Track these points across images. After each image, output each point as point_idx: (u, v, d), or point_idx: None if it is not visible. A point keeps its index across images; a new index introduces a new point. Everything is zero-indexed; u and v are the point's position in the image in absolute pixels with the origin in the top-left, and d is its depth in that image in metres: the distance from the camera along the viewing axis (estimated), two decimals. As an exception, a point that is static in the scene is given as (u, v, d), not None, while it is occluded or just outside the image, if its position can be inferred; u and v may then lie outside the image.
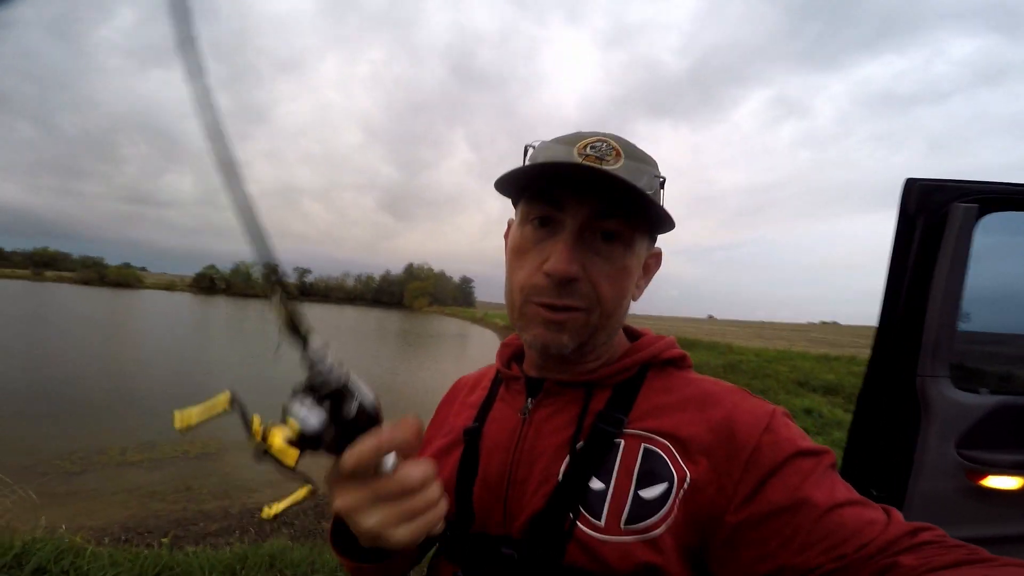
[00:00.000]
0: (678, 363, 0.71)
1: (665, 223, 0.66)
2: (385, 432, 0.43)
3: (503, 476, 0.66)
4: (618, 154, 0.62)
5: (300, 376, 0.43)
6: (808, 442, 0.58)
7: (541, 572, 0.59)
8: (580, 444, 0.63)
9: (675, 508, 0.56)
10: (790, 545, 0.51)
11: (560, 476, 0.62)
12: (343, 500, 0.44)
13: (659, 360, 0.70)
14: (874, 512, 0.52)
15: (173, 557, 2.95)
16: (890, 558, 0.47)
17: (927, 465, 1.43)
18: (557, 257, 0.60)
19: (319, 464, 0.45)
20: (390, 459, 0.45)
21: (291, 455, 0.41)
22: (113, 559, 2.76)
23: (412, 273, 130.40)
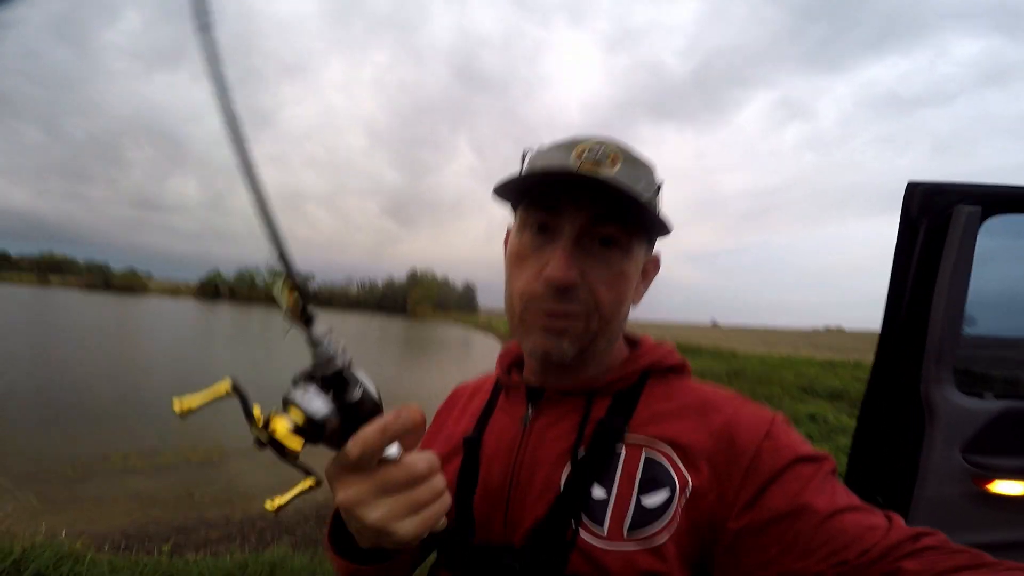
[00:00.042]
0: (678, 370, 0.71)
1: (662, 228, 0.66)
2: (389, 417, 0.42)
3: (504, 485, 0.66)
4: (615, 159, 0.62)
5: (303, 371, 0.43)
6: (808, 448, 0.58)
7: None
8: (581, 452, 0.63)
9: (677, 515, 0.56)
10: (791, 551, 0.50)
11: (562, 484, 0.62)
12: (346, 492, 0.43)
13: (659, 367, 0.70)
14: (875, 518, 0.51)
15: (173, 564, 2.95)
16: (892, 563, 0.46)
17: (932, 471, 1.42)
18: (556, 264, 0.60)
19: (318, 458, 0.44)
20: (394, 448, 0.44)
21: (296, 441, 0.41)
22: (113, 566, 2.76)
23: (415, 279, 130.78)
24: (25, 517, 3.78)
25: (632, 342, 0.75)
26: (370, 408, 0.43)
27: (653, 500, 0.57)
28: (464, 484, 0.69)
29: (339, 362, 0.42)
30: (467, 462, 0.71)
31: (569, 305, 0.62)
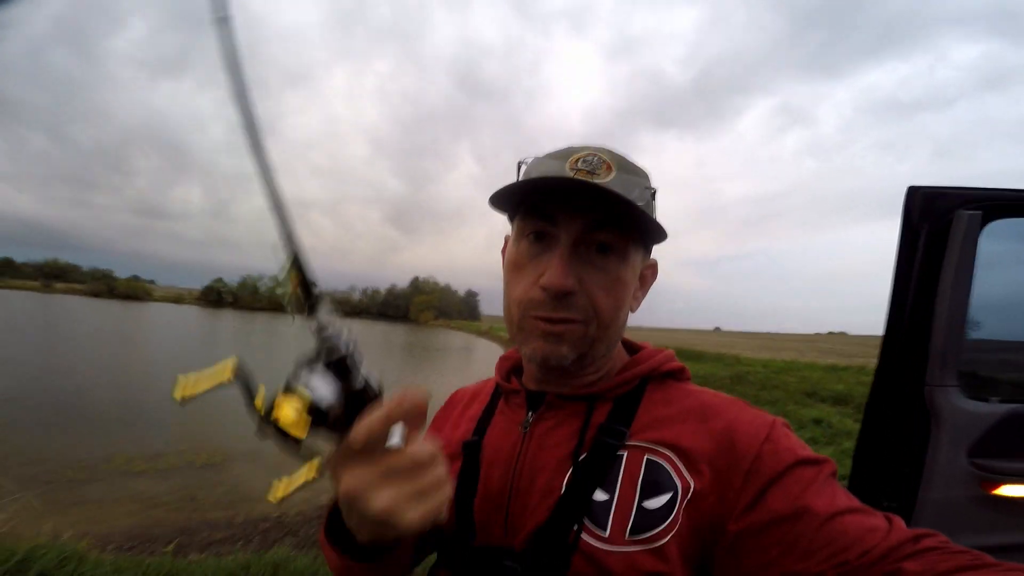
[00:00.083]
0: (677, 375, 0.72)
1: (658, 234, 0.67)
2: (394, 400, 0.42)
3: (504, 489, 0.66)
4: (609, 167, 0.63)
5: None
6: (808, 451, 0.58)
7: None
8: (583, 457, 0.63)
9: (680, 518, 0.56)
10: (792, 553, 0.51)
11: (563, 488, 0.62)
12: (350, 480, 0.42)
13: (659, 372, 0.70)
14: (876, 519, 0.52)
15: (176, 565, 2.96)
16: (893, 564, 0.47)
17: (938, 475, 1.41)
18: (553, 271, 0.61)
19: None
20: (397, 433, 0.43)
21: (301, 427, 0.39)
22: (116, 566, 2.77)
23: (418, 287, 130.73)
24: (30, 518, 3.80)
25: (632, 348, 0.76)
26: (373, 396, 0.43)
27: (655, 503, 0.57)
28: (464, 488, 0.69)
29: (343, 348, 0.41)
30: (467, 466, 0.71)
31: (567, 311, 0.62)
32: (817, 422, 8.03)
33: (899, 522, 0.52)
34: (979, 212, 1.38)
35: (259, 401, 0.41)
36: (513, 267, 0.68)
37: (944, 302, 1.39)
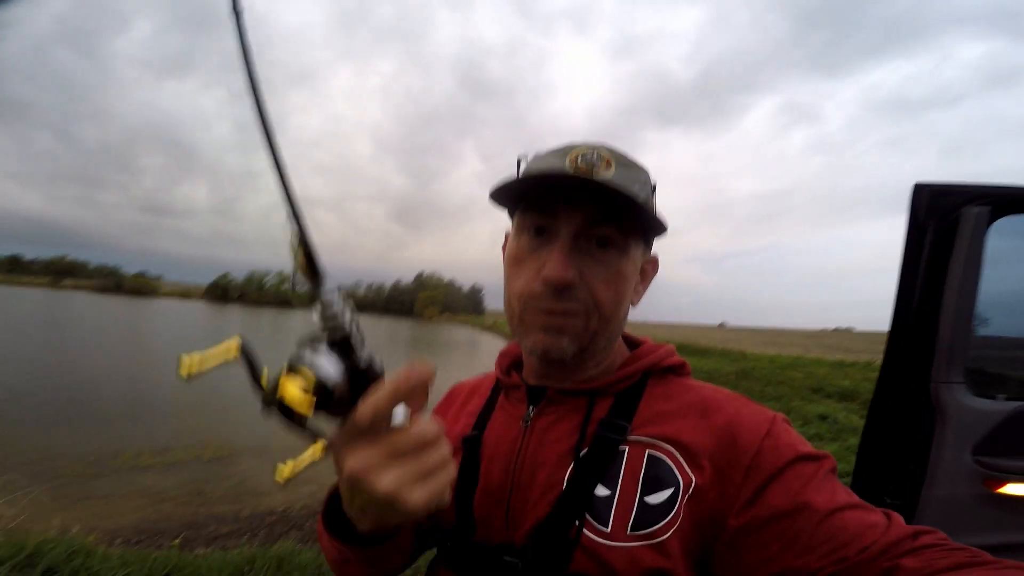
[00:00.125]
0: (678, 370, 0.72)
1: (657, 228, 0.67)
2: (400, 377, 0.41)
3: (505, 484, 0.66)
4: (608, 163, 0.63)
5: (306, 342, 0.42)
6: (808, 447, 0.58)
7: None
8: (584, 452, 0.63)
9: (681, 513, 0.56)
10: (792, 548, 0.51)
11: (565, 483, 0.62)
12: (355, 460, 0.41)
13: (659, 367, 0.70)
14: (875, 516, 0.52)
15: (183, 558, 2.98)
16: (891, 561, 0.47)
17: (942, 472, 1.41)
18: (553, 264, 0.61)
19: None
20: (400, 412, 0.42)
21: (307, 405, 0.39)
22: (123, 560, 2.80)
23: (422, 282, 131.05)
24: (38, 513, 3.85)
25: (632, 343, 0.76)
26: (377, 375, 0.42)
27: (657, 498, 0.57)
28: (464, 483, 0.69)
29: (347, 326, 0.41)
30: (467, 461, 0.71)
31: (568, 304, 0.62)
32: (823, 418, 8.00)
33: (898, 519, 0.52)
34: (986, 208, 1.37)
35: (264, 380, 0.41)
36: (514, 261, 0.68)
37: (951, 298, 1.38)
